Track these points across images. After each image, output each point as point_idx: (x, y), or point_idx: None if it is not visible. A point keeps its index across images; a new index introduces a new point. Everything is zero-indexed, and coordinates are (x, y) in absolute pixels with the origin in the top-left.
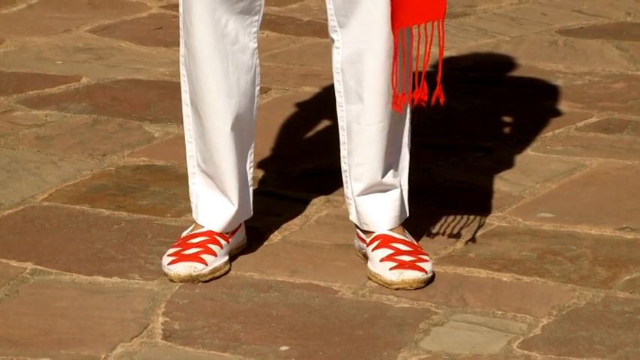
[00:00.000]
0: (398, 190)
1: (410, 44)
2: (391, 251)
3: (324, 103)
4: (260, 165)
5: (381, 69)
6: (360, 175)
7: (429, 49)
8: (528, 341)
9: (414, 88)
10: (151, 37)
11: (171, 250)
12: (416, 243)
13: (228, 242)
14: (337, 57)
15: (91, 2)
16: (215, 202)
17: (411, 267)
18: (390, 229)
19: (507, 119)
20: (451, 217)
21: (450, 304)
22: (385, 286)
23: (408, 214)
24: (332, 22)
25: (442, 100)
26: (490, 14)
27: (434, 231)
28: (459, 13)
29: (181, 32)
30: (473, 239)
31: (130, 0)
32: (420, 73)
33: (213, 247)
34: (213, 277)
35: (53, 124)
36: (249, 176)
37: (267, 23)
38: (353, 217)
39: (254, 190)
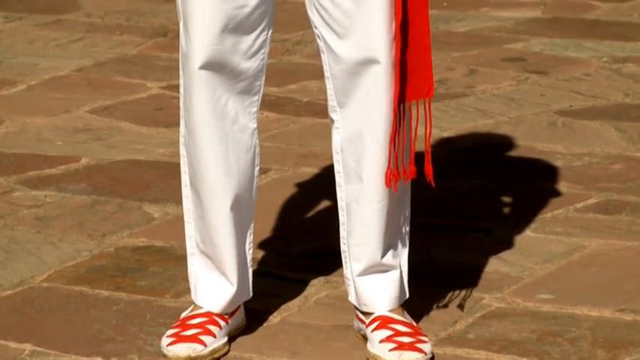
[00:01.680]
0: (397, 271)
1: (409, 122)
2: (391, 332)
3: (323, 183)
4: (259, 245)
5: (380, 149)
6: (359, 255)
7: (430, 127)
8: None
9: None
10: (151, 117)
11: (171, 331)
12: (415, 324)
13: (227, 323)
14: (337, 137)
15: (90, 83)
16: (214, 283)
17: (410, 348)
18: (390, 310)
19: (506, 200)
20: (450, 298)
21: None
22: None
23: (407, 295)
24: (332, 103)
25: (430, 177)
26: (489, 95)
27: (433, 312)
28: (458, 94)
29: (181, 112)
30: (472, 320)
31: (130, 81)
32: (416, 150)
33: (212, 328)
34: (213, 358)
35: (53, 205)
36: (249, 257)
37: (267, 104)
38: (352, 298)
39: (253, 271)
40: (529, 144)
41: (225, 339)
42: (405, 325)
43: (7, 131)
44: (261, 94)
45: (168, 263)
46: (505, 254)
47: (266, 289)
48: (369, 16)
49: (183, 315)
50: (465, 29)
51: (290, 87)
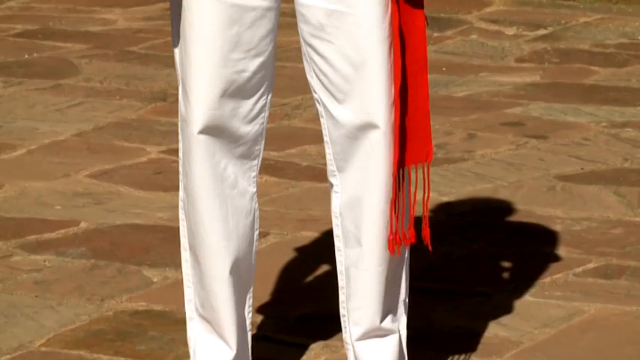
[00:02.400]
0: (396, 336)
1: (408, 186)
2: None
3: (322, 247)
4: (259, 309)
5: (380, 213)
6: (358, 319)
7: (428, 191)
8: None
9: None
10: (150, 181)
11: None
12: None
13: None
14: (336, 201)
15: (90, 147)
16: (213, 348)
17: None
18: None
19: (506, 264)
20: None
21: None
22: None
23: None
24: (331, 167)
25: (428, 241)
26: (488, 159)
27: None
28: (457, 158)
29: (181, 176)
30: None
31: (130, 145)
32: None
33: None
34: None
35: (52, 269)
36: (248, 321)
37: (266, 168)
38: None
39: (253, 335)
40: (528, 208)
41: None
42: None
43: (7, 195)
44: (260, 159)
45: (167, 327)
46: (504, 319)
47: (265, 354)
48: (369, 80)
49: None
50: (464, 94)
51: (289, 151)
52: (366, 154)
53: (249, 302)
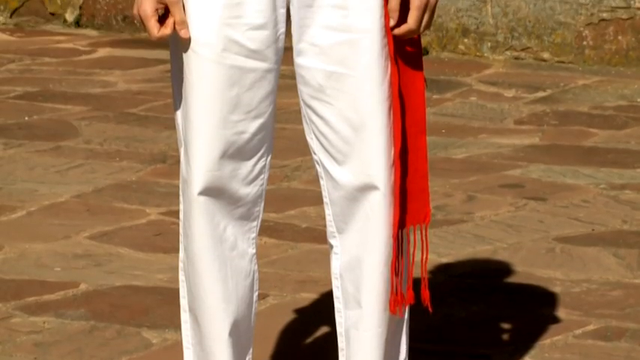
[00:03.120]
0: None
1: (407, 248)
2: None
3: (322, 309)
4: None
5: (380, 275)
6: None
7: (426, 252)
8: None
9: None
10: (150, 243)
11: None
12: None
13: None
14: (336, 263)
15: (89, 209)
16: None
17: None
18: None
19: (505, 326)
20: None
21: None
22: None
23: None
24: (330, 228)
25: (427, 302)
26: (487, 221)
27: None
28: (457, 220)
29: (181, 238)
30: None
31: (129, 207)
32: (417, 276)
33: None
34: None
35: (51, 331)
36: None
37: (266, 229)
38: None
39: None
40: (527, 270)
41: None
42: None
43: (6, 257)
44: (260, 220)
45: None
46: None
47: None
48: (368, 142)
49: None
50: (463, 156)
51: (289, 213)
52: (366, 215)
53: None
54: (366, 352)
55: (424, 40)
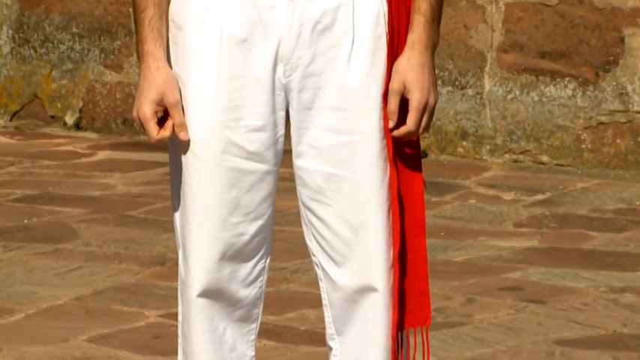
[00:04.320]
0: None
1: (407, 350)
2: None
3: None
4: None
5: None
6: None
7: (428, 355)
8: None
9: None
10: (149, 346)
11: None
12: None
13: None
14: None
15: (88, 312)
16: None
17: None
18: None
19: None
20: None
21: None
22: None
23: None
24: (330, 331)
25: None
26: (487, 324)
27: None
28: (456, 323)
29: (180, 340)
30: None
31: (128, 309)
32: None
33: None
34: None
35: None
36: None
37: (264, 332)
38: None
39: None
40: None
41: None
42: None
43: None
44: (259, 322)
45: None
46: None
47: None
48: (367, 244)
49: None
50: (462, 258)
51: (288, 315)
52: (365, 317)
53: None
54: None
55: (423, 143)
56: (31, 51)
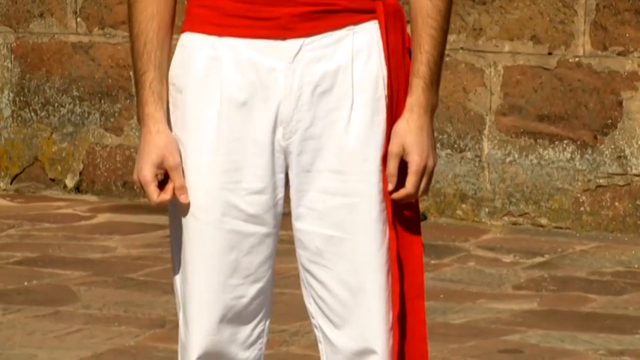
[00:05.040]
0: None
1: None
2: None
3: None
4: None
5: None
6: None
7: None
8: None
9: None
10: None
11: None
12: None
13: None
14: None
15: None
16: None
17: None
18: None
19: None
20: None
21: None
22: None
23: None
24: None
25: None
26: None
27: None
28: None
29: None
30: None
31: None
32: None
33: None
34: None
35: None
36: None
37: None
38: None
39: None
40: None
41: None
42: None
43: None
44: None
45: None
46: None
47: None
48: (366, 306)
49: None
50: (461, 321)
51: None
52: None
53: None
54: None
55: (422, 206)
56: (32, 114)
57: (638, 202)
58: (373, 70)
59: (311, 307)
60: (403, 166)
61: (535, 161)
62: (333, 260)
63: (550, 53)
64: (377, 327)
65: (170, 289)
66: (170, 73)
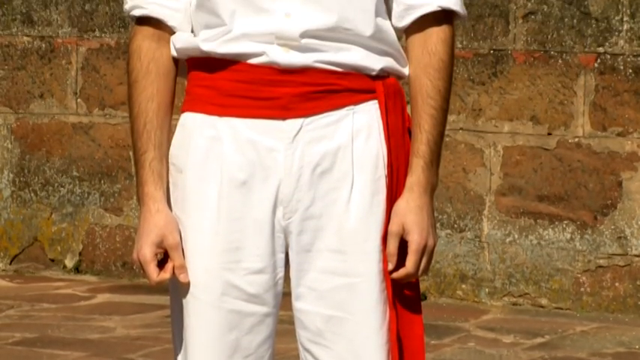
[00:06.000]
0: None
1: None
2: None
3: None
4: None
5: None
6: None
7: None
8: None
9: None
10: None
11: None
12: None
13: None
14: None
15: None
16: None
17: None
18: None
19: None
20: None
21: None
22: None
23: None
24: None
25: None
26: None
27: None
28: None
29: None
30: None
31: None
32: None
33: None
34: None
35: None
36: None
37: None
38: None
39: None
40: None
41: None
42: None
43: None
44: None
45: None
46: None
47: None
48: None
49: None
50: None
51: None
52: None
53: None
54: None
55: (422, 286)
56: (32, 194)
57: (638, 283)
58: (373, 150)
59: None
60: (403, 246)
61: (535, 241)
62: (333, 340)
63: (550, 134)
64: None
65: None
66: (170, 152)
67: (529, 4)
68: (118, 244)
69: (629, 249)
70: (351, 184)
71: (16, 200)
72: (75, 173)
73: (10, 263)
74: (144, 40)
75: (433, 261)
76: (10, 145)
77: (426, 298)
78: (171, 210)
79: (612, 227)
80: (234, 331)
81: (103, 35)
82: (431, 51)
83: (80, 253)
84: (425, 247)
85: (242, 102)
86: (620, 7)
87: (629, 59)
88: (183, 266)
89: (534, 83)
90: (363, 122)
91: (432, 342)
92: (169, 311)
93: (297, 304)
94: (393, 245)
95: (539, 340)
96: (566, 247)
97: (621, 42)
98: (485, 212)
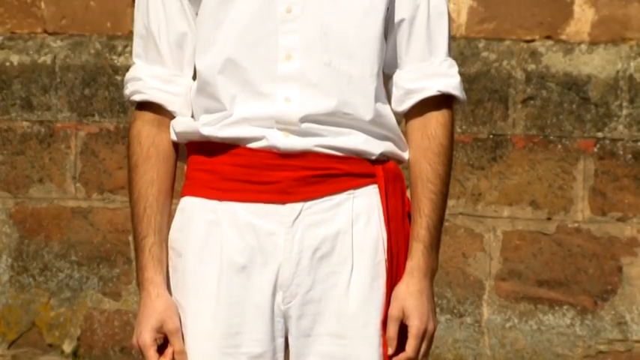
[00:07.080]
0: None
1: None
2: None
3: None
4: None
5: None
6: None
7: None
8: None
9: None
10: None
11: None
12: None
13: None
14: None
15: None
16: None
17: None
18: None
19: None
20: None
21: None
22: None
23: None
24: None
25: None
26: None
27: None
28: None
29: None
30: None
31: None
32: None
33: None
34: None
35: None
36: None
37: None
38: None
39: None
40: None
41: None
42: None
43: None
44: None
45: None
46: None
47: None
48: None
49: None
50: None
51: None
52: None
53: None
54: None
55: None
56: (30, 279)
57: None
58: (373, 234)
59: None
60: (403, 330)
61: (535, 327)
62: None
63: (549, 218)
64: None
65: None
66: (170, 237)
67: (528, 90)
68: (116, 328)
69: (629, 334)
70: (351, 268)
71: (14, 285)
72: (73, 258)
73: (8, 348)
74: (144, 125)
75: (433, 346)
76: (8, 230)
77: None
78: (171, 294)
79: (612, 312)
80: None
81: (102, 120)
82: (430, 135)
83: (78, 338)
84: (425, 331)
85: (242, 186)
86: (619, 92)
87: (628, 144)
88: (182, 351)
89: (534, 168)
90: (362, 206)
91: None
92: None
93: None
94: (393, 329)
95: None
96: (567, 332)
97: (620, 127)
98: (485, 297)
